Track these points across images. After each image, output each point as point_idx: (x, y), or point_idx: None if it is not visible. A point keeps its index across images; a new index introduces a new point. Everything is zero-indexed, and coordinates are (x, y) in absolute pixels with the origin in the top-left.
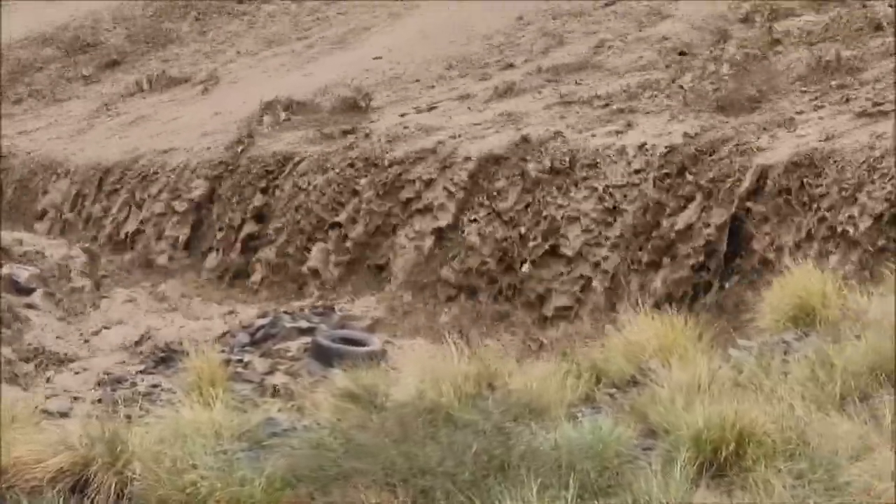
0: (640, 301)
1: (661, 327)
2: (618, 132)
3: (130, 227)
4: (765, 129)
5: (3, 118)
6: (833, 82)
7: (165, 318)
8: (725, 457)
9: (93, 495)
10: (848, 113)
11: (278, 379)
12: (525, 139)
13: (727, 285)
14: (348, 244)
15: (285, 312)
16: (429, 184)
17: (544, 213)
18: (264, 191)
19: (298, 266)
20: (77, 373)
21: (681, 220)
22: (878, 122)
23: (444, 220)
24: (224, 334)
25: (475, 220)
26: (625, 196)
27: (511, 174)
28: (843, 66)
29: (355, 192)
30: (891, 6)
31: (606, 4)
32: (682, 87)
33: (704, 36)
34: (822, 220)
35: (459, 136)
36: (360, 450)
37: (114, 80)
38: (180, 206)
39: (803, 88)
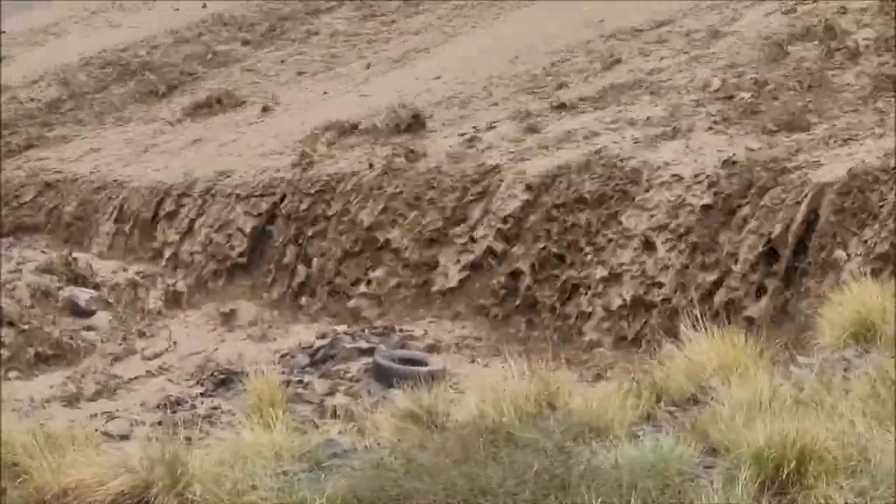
0: (699, 319)
1: (721, 345)
2: (674, 150)
3: (189, 248)
4: (823, 145)
5: (64, 140)
6: (892, 98)
7: (225, 340)
8: (787, 474)
9: None
10: None
11: (338, 400)
12: (582, 158)
13: (787, 302)
14: (407, 264)
15: (345, 333)
16: (487, 203)
17: (601, 232)
18: (323, 212)
19: (357, 287)
20: (137, 395)
21: (739, 238)
22: None
23: (502, 240)
24: (284, 355)
25: (532, 238)
26: (682, 214)
27: (568, 193)
28: None
29: (414, 213)
30: None
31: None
32: (738, 104)
33: (761, 53)
34: (881, 236)
35: (517, 155)
36: (421, 470)
37: (172, 102)
38: (239, 228)
39: (861, 105)
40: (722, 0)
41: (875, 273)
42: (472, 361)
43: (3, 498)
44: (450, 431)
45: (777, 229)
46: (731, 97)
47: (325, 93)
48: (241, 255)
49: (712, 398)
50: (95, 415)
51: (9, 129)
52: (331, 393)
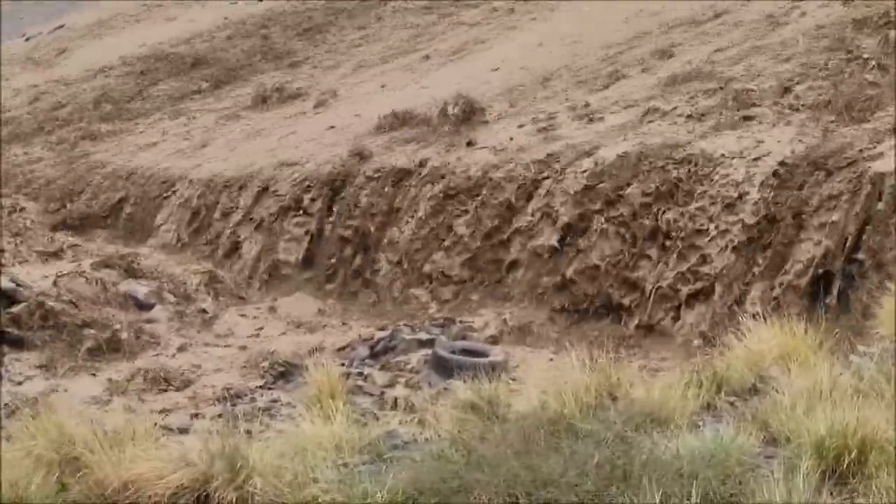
0: (760, 308)
1: (781, 334)
2: (735, 140)
3: (248, 241)
4: (884, 135)
5: (122, 134)
6: None
7: (284, 332)
8: (847, 464)
9: None
10: None
11: (398, 391)
12: (641, 149)
13: (847, 292)
14: (467, 256)
15: (405, 325)
16: (547, 195)
17: (662, 222)
18: (381, 204)
19: (417, 278)
20: (196, 389)
21: (799, 227)
22: None
23: (562, 231)
24: (343, 348)
25: (594, 230)
26: (743, 203)
27: (628, 184)
28: None
29: (473, 204)
30: None
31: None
32: (798, 94)
33: (821, 43)
34: None
35: (577, 146)
36: (482, 462)
37: (231, 95)
38: (298, 220)
39: None
40: None
41: None
42: (533, 352)
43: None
44: (511, 423)
45: (837, 219)
46: (790, 87)
47: (384, 85)
48: (299, 247)
49: (772, 388)
50: (155, 409)
51: (67, 123)
52: (391, 385)
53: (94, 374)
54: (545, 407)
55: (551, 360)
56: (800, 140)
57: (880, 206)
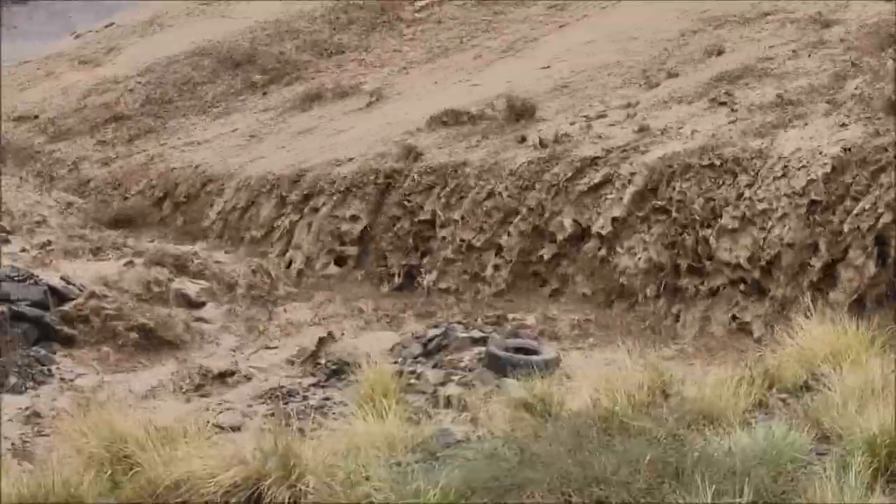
0: (811, 306)
1: (832, 332)
2: (787, 138)
3: (300, 238)
4: None
5: (173, 131)
6: None
7: (337, 330)
8: None
9: None
10: None
11: (451, 390)
12: (694, 146)
13: None
14: (520, 254)
15: (458, 323)
16: (599, 192)
17: (714, 220)
18: (433, 202)
19: (469, 276)
20: (248, 386)
21: (850, 225)
22: None
23: (615, 228)
24: (396, 346)
25: (647, 227)
26: (795, 201)
27: (681, 181)
28: None
29: (525, 202)
30: None
31: None
32: (849, 92)
33: (871, 41)
34: None
35: (628, 144)
36: (535, 459)
37: (280, 92)
38: (350, 218)
39: None
40: None
41: None
42: (586, 350)
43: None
44: (563, 420)
45: (888, 216)
46: (842, 84)
47: (435, 82)
48: (352, 244)
49: (824, 385)
50: (207, 406)
51: (119, 121)
52: (444, 383)
53: (145, 372)
54: (597, 405)
55: (604, 357)
56: (852, 137)
57: None
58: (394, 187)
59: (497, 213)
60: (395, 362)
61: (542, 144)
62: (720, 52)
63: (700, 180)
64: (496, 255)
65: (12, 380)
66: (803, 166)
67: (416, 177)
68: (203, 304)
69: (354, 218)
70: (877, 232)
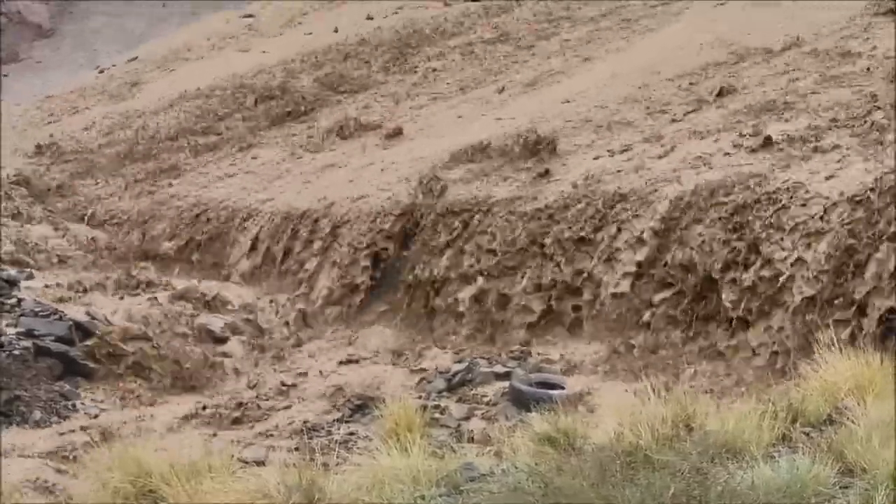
0: (834, 339)
1: (856, 365)
2: (812, 171)
3: (324, 275)
4: None
5: (196, 166)
6: None
7: (360, 365)
8: None
9: None
10: None
11: (475, 424)
12: (719, 179)
13: None
14: (543, 288)
15: (482, 357)
16: (623, 227)
17: (737, 254)
18: (456, 236)
19: (493, 310)
20: (272, 421)
21: (874, 258)
22: None
23: (638, 264)
24: (420, 380)
25: (670, 262)
26: (818, 235)
27: (704, 215)
28: None
29: (549, 237)
30: None
31: None
32: (873, 123)
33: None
34: None
35: (652, 178)
36: (559, 493)
37: (304, 127)
38: (373, 252)
39: None
40: (853, 21)
41: None
42: (609, 383)
43: None
44: (587, 454)
45: None
46: (865, 116)
47: (459, 116)
48: (375, 279)
49: (848, 419)
50: (231, 441)
51: (142, 156)
52: (468, 417)
53: (169, 407)
54: (621, 438)
55: (627, 391)
56: (877, 169)
57: None
58: (418, 222)
59: (521, 248)
60: (420, 397)
61: (567, 178)
62: (744, 86)
63: (726, 213)
64: (520, 289)
65: (37, 414)
66: (830, 199)
67: (440, 211)
68: (227, 339)
69: (379, 253)
70: None
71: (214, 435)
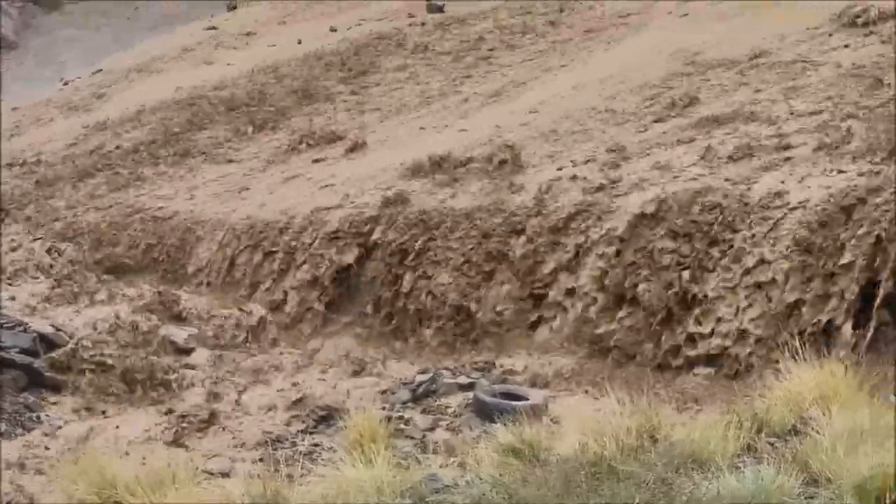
0: (799, 349)
1: (820, 375)
2: (773, 182)
3: (287, 286)
4: None
5: (160, 178)
6: None
7: (324, 376)
8: None
9: None
10: None
11: (440, 435)
12: (680, 190)
13: (886, 331)
14: (506, 300)
15: (445, 368)
16: (586, 238)
17: (701, 265)
18: (419, 247)
19: (456, 322)
20: (237, 433)
21: (838, 268)
22: None
23: (602, 275)
24: (384, 392)
25: (634, 274)
26: (781, 245)
27: (667, 226)
28: None
29: (512, 248)
30: None
31: None
32: (836, 134)
33: (857, 83)
34: None
35: (616, 189)
36: None
37: (267, 139)
38: (335, 264)
39: None
40: (816, 32)
41: None
42: (573, 395)
43: None
44: (551, 465)
45: (877, 258)
46: (828, 128)
47: (422, 128)
48: (338, 291)
49: (813, 429)
50: (195, 453)
51: (106, 167)
52: (432, 428)
53: (133, 418)
54: (585, 449)
55: (591, 402)
56: (839, 180)
57: None
58: (380, 233)
59: (484, 260)
60: (384, 408)
61: (529, 189)
62: (707, 97)
63: (688, 226)
64: (483, 300)
65: (2, 426)
66: (790, 212)
67: (402, 222)
68: (191, 350)
69: (341, 264)
70: (862, 276)
71: (179, 446)
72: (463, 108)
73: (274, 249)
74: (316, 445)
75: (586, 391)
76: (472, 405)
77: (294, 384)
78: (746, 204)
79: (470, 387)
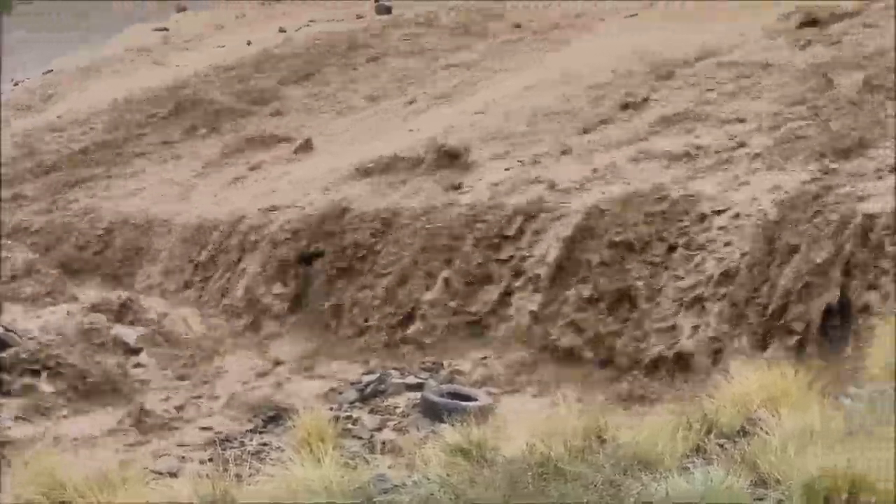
0: (748, 351)
1: (770, 376)
2: (722, 182)
3: (235, 287)
4: (871, 175)
5: (110, 179)
6: None
7: (272, 377)
8: None
9: None
10: None
11: (387, 435)
12: (629, 191)
13: (834, 333)
14: (453, 300)
15: (393, 369)
16: (534, 238)
17: (650, 266)
18: (367, 248)
19: (404, 322)
20: (185, 433)
21: (788, 269)
22: None
23: (549, 275)
24: (332, 391)
25: (581, 274)
26: (731, 247)
27: (616, 227)
28: None
29: (459, 248)
30: None
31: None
32: (787, 135)
33: (808, 84)
34: None
35: (564, 189)
36: None
37: (216, 139)
38: (284, 265)
39: None
40: (766, 34)
41: None
42: (521, 395)
43: None
44: (499, 466)
45: (825, 260)
46: (778, 128)
47: (370, 129)
48: (287, 291)
49: (762, 429)
50: (144, 453)
51: (56, 168)
52: (380, 428)
53: (83, 419)
54: (533, 450)
55: (539, 403)
56: (789, 181)
57: (867, 247)
58: (330, 234)
59: (432, 259)
60: (332, 408)
61: (476, 190)
62: (658, 98)
63: (637, 226)
64: (430, 300)
65: None
66: (742, 211)
67: (349, 223)
68: (141, 350)
69: (290, 264)
70: (811, 277)
71: (128, 446)
72: (411, 109)
73: (223, 250)
74: (264, 445)
75: (534, 392)
76: (419, 405)
77: (242, 384)
78: (697, 204)
79: (418, 387)
